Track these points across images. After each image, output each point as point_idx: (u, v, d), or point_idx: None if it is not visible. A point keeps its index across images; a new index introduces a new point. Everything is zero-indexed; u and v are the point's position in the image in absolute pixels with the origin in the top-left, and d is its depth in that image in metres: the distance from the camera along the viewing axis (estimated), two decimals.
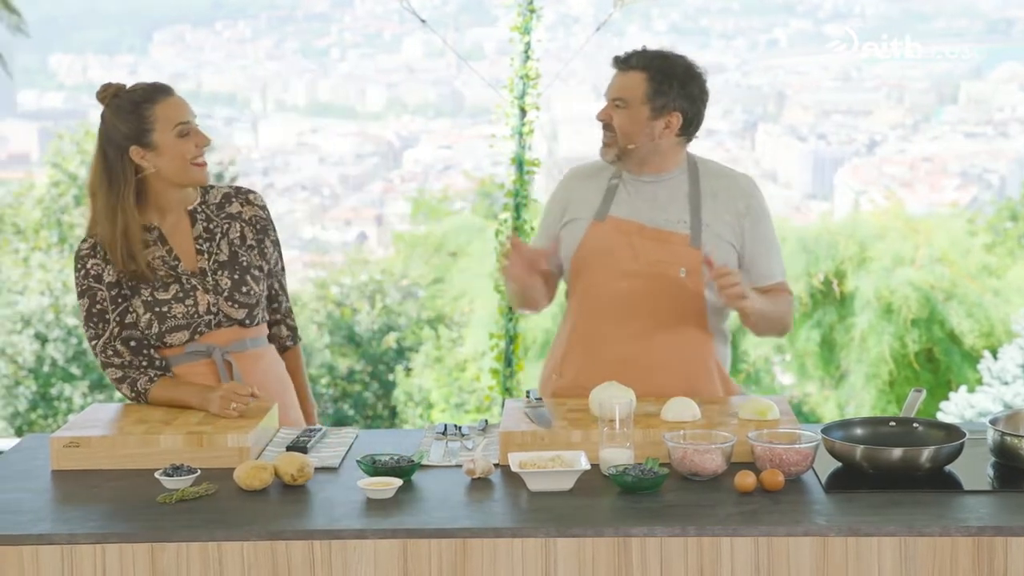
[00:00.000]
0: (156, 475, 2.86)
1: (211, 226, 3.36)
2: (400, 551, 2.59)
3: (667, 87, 3.40)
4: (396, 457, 2.91)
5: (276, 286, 3.49)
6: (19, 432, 15.98)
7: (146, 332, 3.29)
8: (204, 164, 3.30)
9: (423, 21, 8.69)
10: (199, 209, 3.37)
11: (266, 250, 3.43)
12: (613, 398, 2.92)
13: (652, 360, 3.41)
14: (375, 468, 2.86)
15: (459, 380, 16.24)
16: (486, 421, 3.32)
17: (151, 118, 3.23)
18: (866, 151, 35.28)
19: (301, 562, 2.60)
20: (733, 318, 3.63)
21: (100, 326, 3.29)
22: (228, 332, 3.35)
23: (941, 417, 10.60)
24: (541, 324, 12.62)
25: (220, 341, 3.34)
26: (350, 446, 3.16)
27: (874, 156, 34.85)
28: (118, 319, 3.29)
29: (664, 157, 3.45)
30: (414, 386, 16.97)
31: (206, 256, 3.34)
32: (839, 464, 2.90)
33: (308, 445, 3.08)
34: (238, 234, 3.38)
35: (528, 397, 3.26)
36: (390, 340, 18.05)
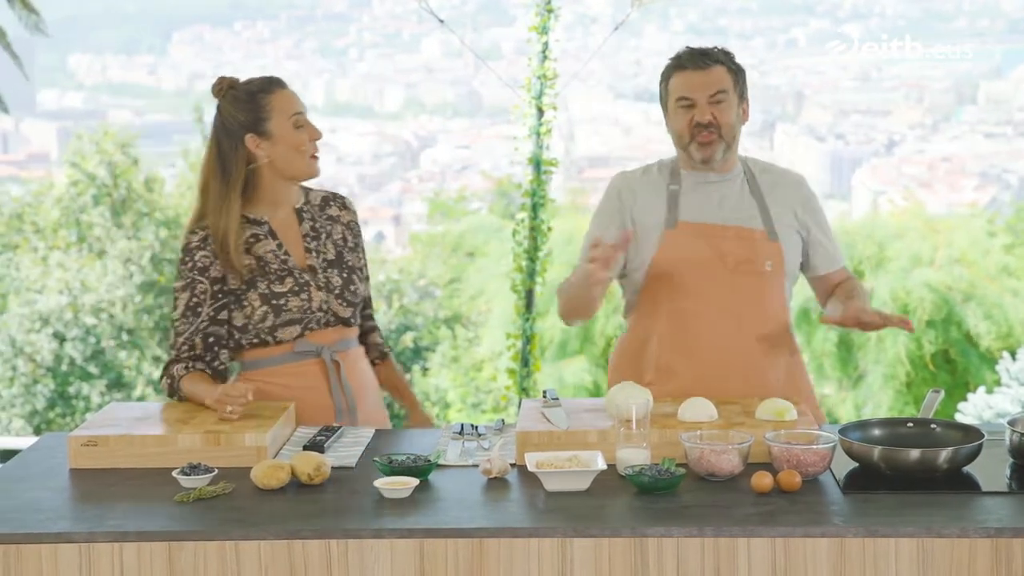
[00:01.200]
0: (173, 474, 2.87)
1: (316, 225, 3.40)
2: (416, 551, 2.60)
3: (742, 75, 3.46)
4: (413, 457, 2.91)
5: (366, 291, 3.54)
6: (37, 431, 16.04)
7: (259, 326, 3.29)
8: (317, 157, 3.34)
9: (441, 21, 8.70)
10: (304, 208, 3.41)
11: (360, 255, 3.48)
12: (630, 398, 2.92)
13: (752, 358, 3.41)
14: (392, 468, 2.86)
15: (476, 380, 16.26)
16: (503, 421, 3.32)
17: (267, 107, 3.27)
18: (885, 151, 35.21)
19: (318, 561, 2.60)
20: None
21: (190, 320, 3.29)
22: (333, 332, 3.37)
23: (959, 418, 10.56)
24: (558, 324, 12.61)
25: (326, 340, 3.36)
26: (367, 445, 3.16)
27: (893, 156, 34.78)
28: (211, 313, 3.28)
29: (737, 152, 3.48)
30: (431, 386, 16.99)
31: (315, 254, 3.36)
32: (856, 465, 2.90)
33: (325, 444, 3.08)
34: (340, 236, 3.42)
35: (545, 397, 3.26)
36: (407, 340, 18.07)
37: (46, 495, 2.84)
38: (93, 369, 16.69)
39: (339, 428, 3.22)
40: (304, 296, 3.31)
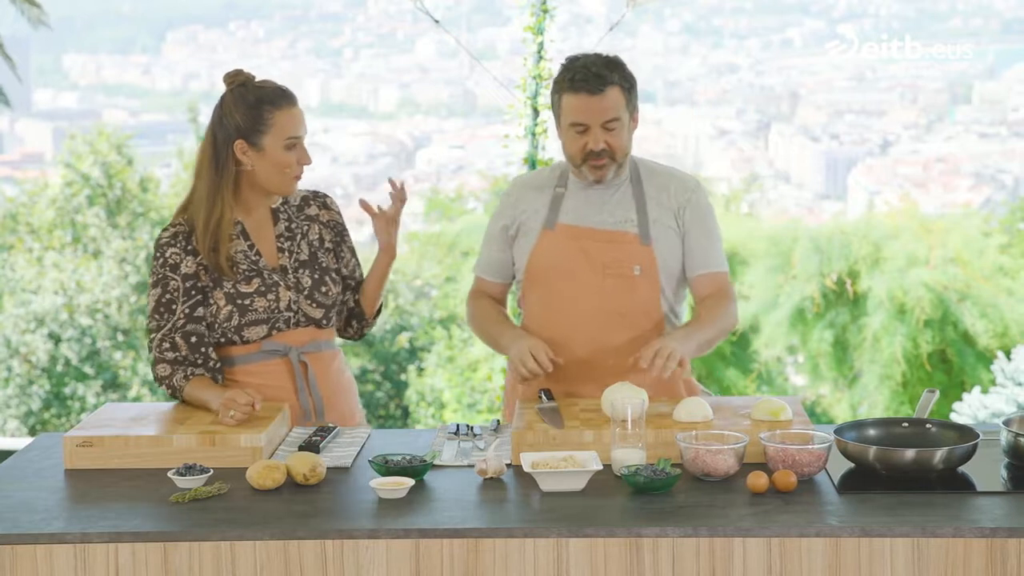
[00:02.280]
0: (169, 474, 2.87)
1: (292, 226, 3.39)
2: (412, 551, 2.60)
3: (634, 88, 3.42)
4: (408, 457, 2.91)
5: (359, 276, 3.52)
6: (32, 431, 16.02)
7: (224, 325, 3.29)
8: (298, 178, 3.32)
9: (436, 21, 8.69)
10: (281, 208, 3.40)
11: (343, 255, 3.46)
12: (625, 398, 2.92)
13: (617, 361, 3.38)
14: (387, 468, 2.86)
15: (471, 380, 16.24)
16: (498, 421, 3.32)
17: (268, 121, 3.25)
18: (879, 151, 35.25)
19: (313, 562, 2.60)
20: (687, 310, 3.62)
21: (165, 316, 3.28)
22: (304, 332, 3.36)
23: (954, 418, 10.57)
24: None
25: (295, 341, 3.35)
26: (362, 446, 3.16)
27: (887, 156, 34.82)
28: (187, 311, 3.28)
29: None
30: (426, 386, 16.98)
31: (287, 254, 3.36)
32: (852, 465, 2.90)
33: (320, 445, 3.08)
34: (317, 236, 3.41)
35: (540, 397, 3.26)
36: (402, 340, 18.06)
37: (41, 495, 2.84)
38: (88, 369, 16.66)
39: (335, 428, 3.22)
40: (272, 296, 3.30)
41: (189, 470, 2.86)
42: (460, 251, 17.07)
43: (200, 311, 3.29)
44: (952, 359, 12.88)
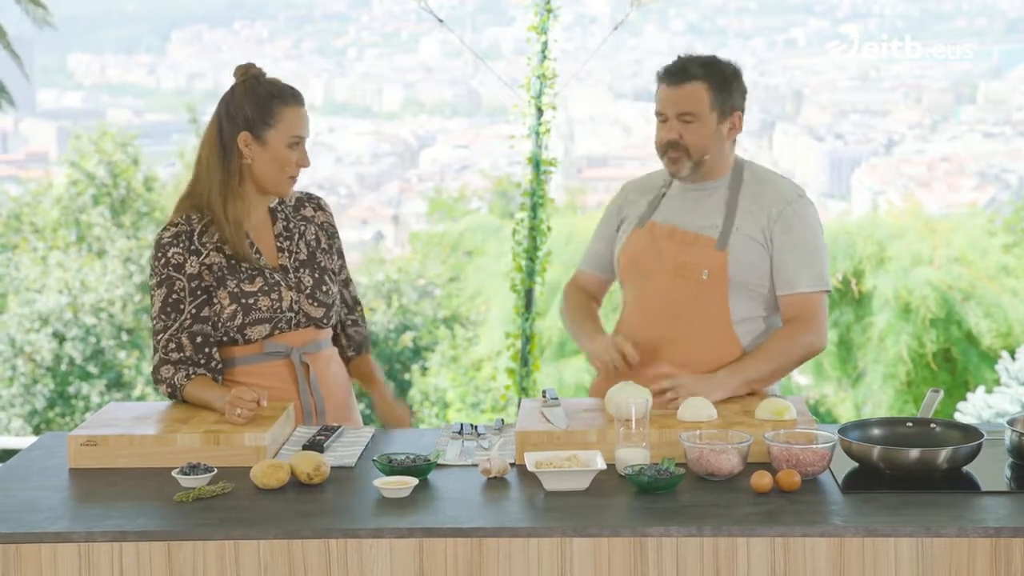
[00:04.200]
0: (173, 474, 2.87)
1: (290, 225, 3.39)
2: (416, 550, 2.60)
3: (727, 89, 3.41)
4: (412, 456, 2.91)
5: (347, 295, 3.53)
6: (37, 431, 16.03)
7: (227, 324, 3.28)
8: (294, 179, 3.32)
9: (440, 21, 8.69)
10: (278, 208, 3.40)
11: (334, 257, 3.46)
12: (629, 398, 2.92)
13: (676, 359, 3.39)
14: (391, 467, 2.86)
15: (475, 379, 16.25)
16: (502, 420, 3.32)
17: (276, 115, 3.25)
18: (884, 151, 35.21)
19: (317, 561, 2.60)
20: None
21: (172, 316, 3.27)
22: (304, 333, 3.36)
23: (958, 418, 10.56)
24: (557, 324, 12.62)
25: (296, 342, 3.35)
26: (366, 445, 3.16)
27: (892, 156, 34.78)
28: (193, 311, 3.27)
29: (726, 161, 3.45)
30: (430, 385, 16.99)
31: (287, 254, 3.36)
32: (856, 464, 2.90)
33: (324, 444, 3.08)
34: (313, 237, 3.41)
35: (544, 396, 3.26)
36: (406, 339, 18.07)
37: (45, 495, 2.84)
38: (93, 369, 16.67)
39: (339, 428, 3.22)
40: (275, 296, 3.30)
41: (193, 469, 2.86)
42: (464, 251, 17.08)
43: (206, 311, 3.29)
44: (956, 358, 12.88)
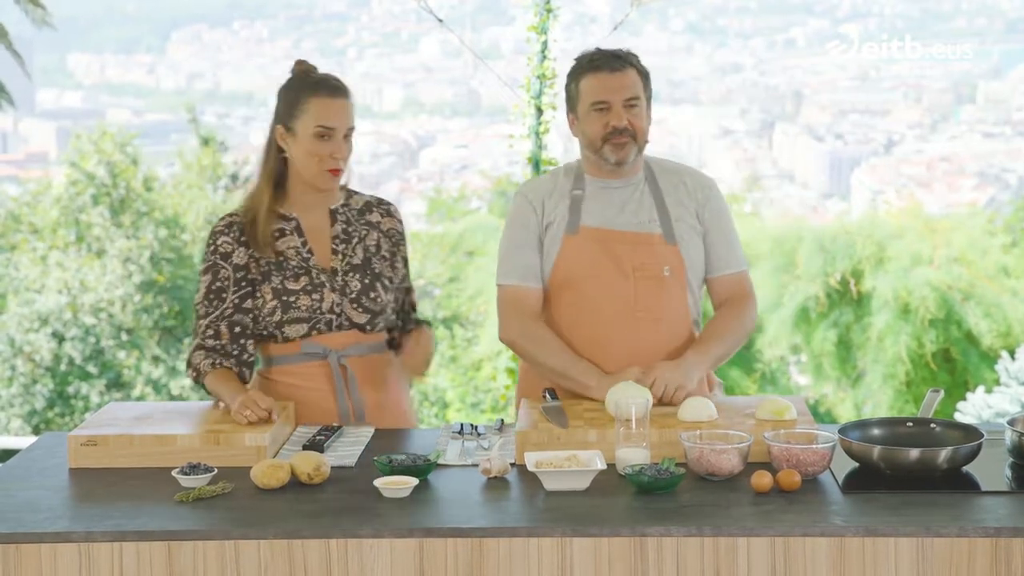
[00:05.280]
0: (173, 473, 2.87)
1: (350, 229, 3.38)
2: (416, 550, 2.60)
3: (648, 80, 3.43)
4: (412, 456, 2.91)
5: (405, 302, 3.50)
6: (36, 430, 16.03)
7: (267, 320, 3.29)
8: (336, 172, 3.30)
9: (440, 20, 8.69)
10: (341, 210, 3.40)
11: (396, 264, 3.44)
12: (630, 398, 2.92)
13: (650, 362, 3.37)
14: (391, 467, 2.87)
15: (475, 379, 16.26)
16: (502, 420, 3.32)
17: (302, 105, 3.27)
18: (883, 151, 35.23)
19: (317, 561, 2.60)
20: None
21: (214, 304, 3.29)
22: (345, 336, 3.34)
23: (958, 418, 10.56)
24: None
25: (336, 344, 3.34)
26: (366, 445, 3.16)
27: (891, 156, 34.80)
28: (236, 301, 3.29)
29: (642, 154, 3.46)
30: (430, 385, 16.99)
31: (340, 256, 3.35)
32: (856, 464, 2.90)
33: (324, 444, 3.08)
34: (374, 242, 3.40)
35: (545, 397, 3.26)
36: None
37: (45, 494, 2.84)
38: (92, 369, 16.67)
39: (339, 428, 3.22)
40: (316, 296, 3.30)
41: (193, 469, 2.86)
42: (463, 251, 17.07)
43: (248, 303, 3.30)
44: (956, 359, 12.88)
